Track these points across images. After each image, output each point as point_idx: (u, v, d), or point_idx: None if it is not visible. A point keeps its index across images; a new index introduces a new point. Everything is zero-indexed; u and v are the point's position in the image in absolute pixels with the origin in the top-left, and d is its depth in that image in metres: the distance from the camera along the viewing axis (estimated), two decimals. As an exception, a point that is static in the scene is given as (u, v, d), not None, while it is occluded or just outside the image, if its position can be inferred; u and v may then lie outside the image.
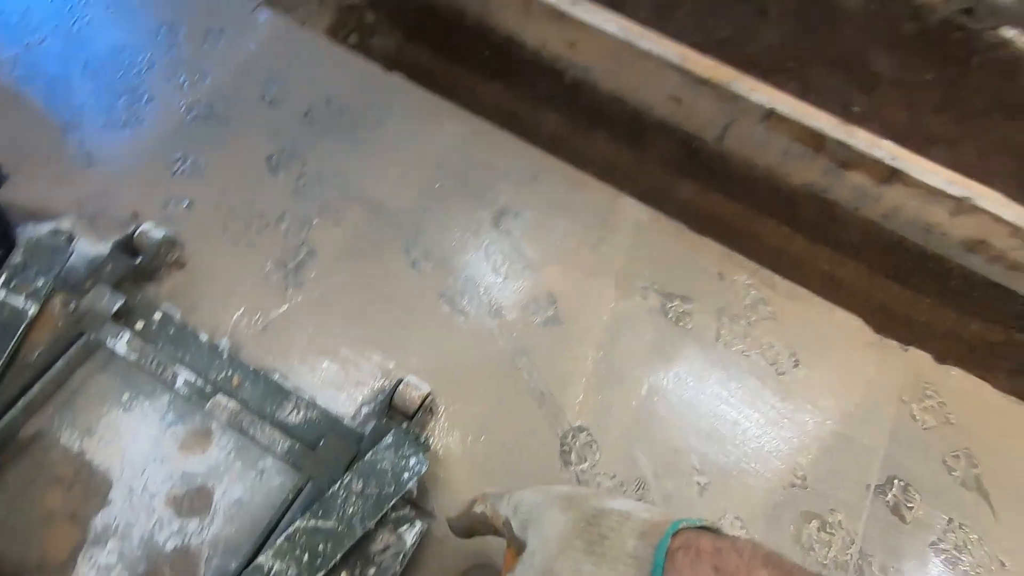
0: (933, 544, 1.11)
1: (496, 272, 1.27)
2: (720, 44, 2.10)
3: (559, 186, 1.39)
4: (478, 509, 0.61)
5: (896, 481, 1.15)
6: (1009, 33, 2.16)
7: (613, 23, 1.42)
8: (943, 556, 1.10)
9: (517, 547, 0.52)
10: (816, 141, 1.38)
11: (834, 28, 2.18)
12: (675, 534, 0.41)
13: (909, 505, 1.14)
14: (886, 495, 1.13)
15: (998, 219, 1.30)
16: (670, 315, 1.27)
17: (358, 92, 1.46)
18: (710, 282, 1.33)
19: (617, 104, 1.72)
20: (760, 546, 0.40)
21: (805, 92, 2.05)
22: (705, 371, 1.22)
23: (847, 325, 1.32)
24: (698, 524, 0.43)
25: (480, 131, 1.45)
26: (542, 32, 1.51)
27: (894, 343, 1.32)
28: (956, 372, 1.31)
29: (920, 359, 1.30)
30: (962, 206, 1.32)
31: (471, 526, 0.67)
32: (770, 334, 1.28)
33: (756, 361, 1.25)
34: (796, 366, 1.25)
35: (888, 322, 1.67)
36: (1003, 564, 1.09)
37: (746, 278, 1.35)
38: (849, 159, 1.37)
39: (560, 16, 1.44)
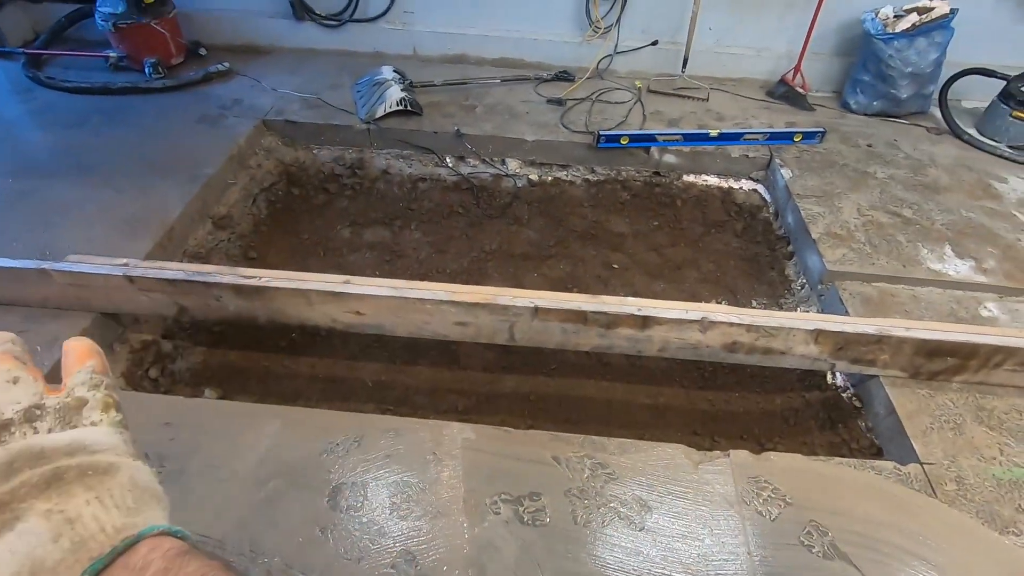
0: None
1: (348, 557, 1.24)
2: (491, 254, 2.49)
3: (384, 440, 1.45)
4: None
5: (775, 584, 1.22)
6: (689, 178, 2.88)
7: (384, 287, 1.66)
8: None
9: None
10: (579, 317, 1.66)
11: (574, 211, 2.74)
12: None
13: (796, 603, 1.20)
14: (773, 604, 1.19)
15: (732, 324, 1.63)
16: (526, 519, 1.32)
17: (163, 431, 1.45)
18: (549, 470, 1.42)
19: (419, 339, 1.91)
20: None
21: (575, 266, 2.46)
22: (580, 560, 1.25)
23: (674, 457, 1.46)
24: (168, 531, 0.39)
25: (296, 419, 1.50)
26: (328, 312, 1.70)
27: (717, 453, 1.49)
28: (774, 456, 1.50)
29: (743, 459, 1.47)
30: (704, 324, 1.64)
31: None
32: (616, 495, 1.37)
33: (616, 527, 1.31)
34: (648, 513, 1.34)
35: (712, 425, 1.88)
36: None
37: (578, 451, 1.46)
38: (610, 321, 1.66)
39: (337, 296, 1.65)
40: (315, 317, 1.71)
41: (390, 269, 2.37)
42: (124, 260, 1.71)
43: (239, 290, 1.66)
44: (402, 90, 2.86)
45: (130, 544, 0.38)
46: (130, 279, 1.66)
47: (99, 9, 2.92)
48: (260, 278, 1.65)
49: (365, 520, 1.29)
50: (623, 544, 1.28)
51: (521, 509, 1.33)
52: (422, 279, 2.08)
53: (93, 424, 0.44)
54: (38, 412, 0.42)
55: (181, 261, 2.13)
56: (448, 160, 2.84)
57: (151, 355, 1.87)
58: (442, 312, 1.67)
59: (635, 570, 1.23)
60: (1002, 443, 1.56)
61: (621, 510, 1.35)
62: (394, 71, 3.04)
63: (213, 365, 1.94)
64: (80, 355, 0.48)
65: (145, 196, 2.22)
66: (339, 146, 2.85)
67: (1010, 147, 2.89)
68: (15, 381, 0.42)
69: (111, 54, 3.03)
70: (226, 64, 3.09)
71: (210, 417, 1.49)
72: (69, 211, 2.14)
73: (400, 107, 2.79)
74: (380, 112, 2.77)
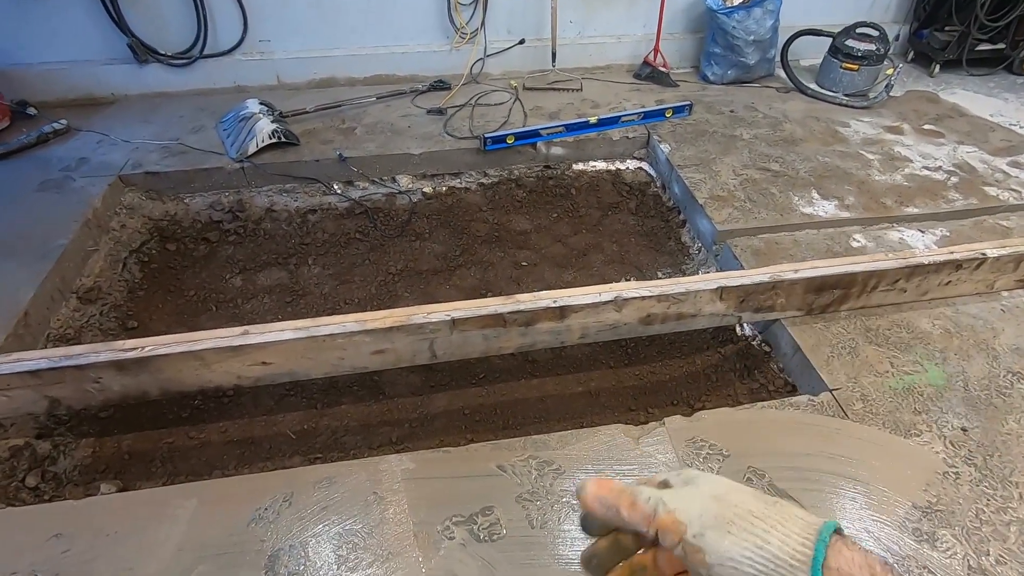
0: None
1: (297, 627, 1.13)
2: (399, 274, 2.41)
3: (317, 492, 1.35)
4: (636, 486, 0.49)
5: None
6: (578, 166, 2.96)
7: (288, 330, 1.55)
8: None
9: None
10: (498, 320, 1.64)
11: (474, 217, 2.73)
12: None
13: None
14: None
15: (643, 298, 1.68)
16: (482, 536, 1.27)
17: (54, 544, 1.25)
18: (496, 480, 1.39)
19: (338, 378, 1.81)
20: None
21: (485, 271, 2.44)
22: (543, 563, 1.22)
23: (614, 438, 1.48)
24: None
25: (214, 493, 1.36)
26: (229, 369, 1.55)
27: (653, 424, 1.53)
28: (705, 414, 1.56)
29: (678, 424, 1.52)
30: (618, 303, 1.68)
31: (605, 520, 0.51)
32: (567, 489, 1.36)
33: (573, 521, 1.30)
34: (602, 500, 1.34)
35: (643, 398, 1.93)
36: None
37: (521, 455, 1.44)
38: (529, 318, 1.65)
39: (236, 350, 1.52)
40: (215, 378, 1.56)
41: (293, 311, 2.23)
42: (-32, 360, 1.46)
43: (120, 366, 1.48)
44: (273, 122, 2.70)
45: None
46: (-20, 381, 1.43)
47: None
48: (142, 348, 1.48)
49: (311, 584, 1.19)
50: (582, 536, 1.27)
51: (475, 527, 1.29)
52: (330, 314, 1.96)
53: None
54: None
55: (45, 348, 1.87)
56: (336, 187, 2.72)
57: (24, 461, 1.61)
58: (356, 344, 1.58)
59: (598, 559, 1.22)
60: (891, 357, 1.72)
61: (575, 502, 1.34)
62: (260, 103, 2.87)
63: (106, 456, 1.72)
64: None
65: (-14, 283, 1.93)
66: (213, 191, 2.64)
67: (846, 95, 3.24)
68: None
69: (-85, 129, 2.62)
70: (63, 121, 2.78)
71: (110, 515, 1.31)
72: None
73: (274, 139, 2.64)
74: (252, 148, 2.60)
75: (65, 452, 1.70)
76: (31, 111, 2.90)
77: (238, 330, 1.55)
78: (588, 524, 0.53)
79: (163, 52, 3.05)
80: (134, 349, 1.48)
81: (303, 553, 1.24)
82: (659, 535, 0.47)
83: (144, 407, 1.80)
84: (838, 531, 0.44)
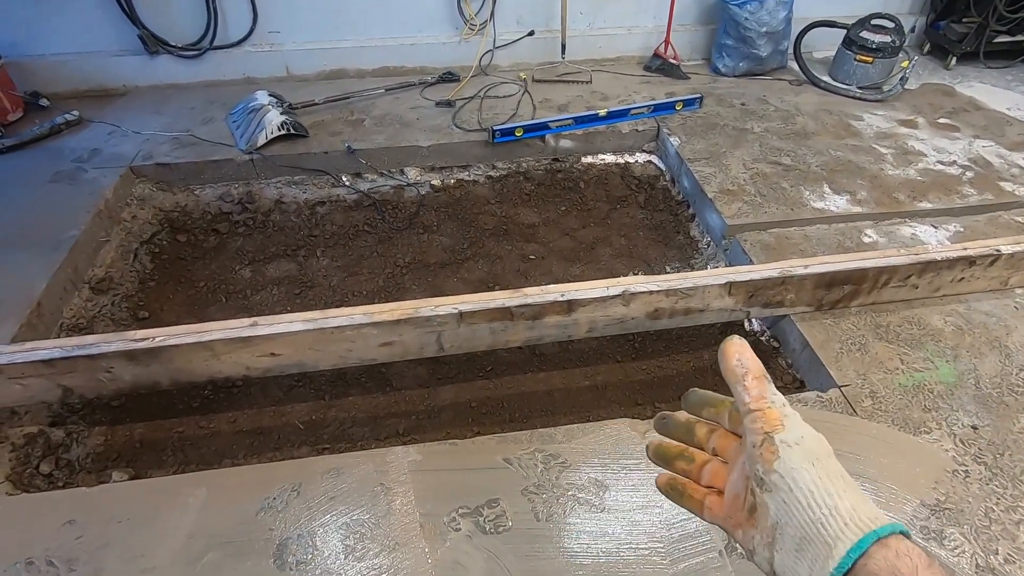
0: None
1: (305, 615, 1.15)
2: (406, 267, 2.42)
3: (325, 482, 1.36)
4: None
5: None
6: (587, 159, 2.95)
7: (296, 321, 1.56)
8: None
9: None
10: (505, 314, 1.64)
11: (482, 210, 2.72)
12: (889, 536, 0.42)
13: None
14: (739, 550, 1.23)
15: (651, 292, 1.67)
16: (488, 528, 1.28)
17: (67, 531, 1.28)
18: (503, 473, 1.39)
19: (346, 369, 1.82)
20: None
21: (492, 264, 2.45)
22: (548, 555, 1.23)
23: (620, 432, 1.48)
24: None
25: (223, 482, 1.37)
26: (238, 360, 1.57)
27: (659, 418, 1.52)
28: (711, 408, 1.56)
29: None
30: (626, 297, 1.67)
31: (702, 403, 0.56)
32: (572, 482, 1.37)
33: (579, 514, 1.31)
34: (606, 492, 1.35)
35: (650, 392, 1.93)
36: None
37: (527, 448, 1.44)
38: (536, 312, 1.65)
39: (246, 341, 1.53)
40: (225, 368, 1.57)
41: (302, 302, 2.24)
42: (-16, 349, 1.49)
43: (131, 356, 1.50)
44: (282, 113, 2.71)
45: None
46: (-5, 369, 1.45)
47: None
48: (153, 338, 1.50)
49: (319, 572, 1.20)
50: (588, 529, 1.28)
51: (481, 519, 1.30)
52: (338, 306, 1.97)
53: None
54: None
55: (59, 337, 1.89)
56: (344, 179, 2.73)
57: (39, 448, 1.64)
58: (364, 336, 1.59)
59: (603, 551, 1.23)
60: (901, 353, 1.71)
61: (580, 495, 1.34)
62: (270, 95, 2.87)
63: (118, 444, 1.74)
64: None
65: (0, 274, 1.95)
66: (223, 182, 2.65)
67: (860, 88, 3.19)
68: None
69: (-70, 120, 2.65)
70: (75, 113, 2.79)
71: (122, 503, 1.33)
72: (-94, 305, 1.85)
73: (283, 131, 2.64)
74: (262, 140, 2.61)
75: (78, 440, 1.72)
76: (44, 102, 2.92)
77: (247, 321, 1.56)
78: (691, 397, 0.57)
79: (173, 43, 3.06)
80: (145, 339, 1.50)
81: (311, 542, 1.25)
82: (754, 419, 0.47)
83: (156, 396, 1.82)
84: (906, 534, 0.43)
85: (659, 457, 0.58)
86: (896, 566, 0.40)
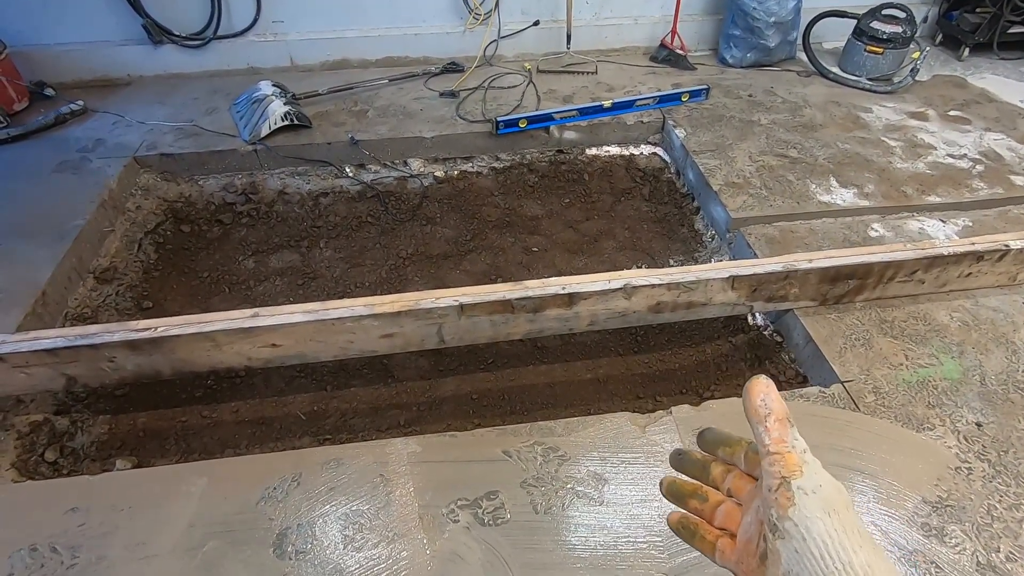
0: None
1: (304, 603, 1.16)
2: (409, 258, 2.42)
3: (325, 472, 1.37)
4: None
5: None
6: (591, 151, 2.92)
7: (298, 312, 1.56)
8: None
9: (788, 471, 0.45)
10: (505, 306, 1.63)
11: (485, 201, 2.71)
12: None
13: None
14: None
15: (653, 286, 1.66)
16: (486, 520, 1.29)
17: (70, 518, 1.29)
18: (502, 465, 1.39)
19: (347, 361, 1.82)
20: None
21: (495, 256, 2.44)
22: (546, 548, 1.23)
23: (620, 425, 1.48)
24: None
25: (225, 472, 1.38)
26: (240, 350, 1.57)
27: (660, 412, 1.52)
28: (714, 404, 1.55)
29: (685, 412, 1.51)
30: (628, 290, 1.66)
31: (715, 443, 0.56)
32: (571, 475, 1.37)
33: (577, 507, 1.31)
34: (605, 485, 1.35)
35: (652, 386, 1.92)
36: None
37: (527, 441, 1.44)
38: (537, 304, 1.65)
39: (247, 331, 1.53)
40: (227, 359, 1.58)
41: (305, 293, 2.25)
42: (-12, 338, 1.50)
43: (134, 346, 1.50)
44: (285, 104, 2.70)
45: None
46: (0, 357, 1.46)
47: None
48: (155, 328, 1.50)
49: (318, 561, 1.21)
50: (586, 522, 1.28)
51: (480, 511, 1.30)
52: (341, 297, 1.98)
53: None
54: None
55: (64, 326, 1.90)
56: (348, 170, 2.72)
57: (44, 436, 1.66)
58: (365, 328, 1.59)
59: (601, 544, 1.23)
60: (906, 349, 1.69)
61: (579, 489, 1.34)
62: (273, 85, 2.86)
63: (121, 433, 1.76)
64: None
65: (6, 263, 1.96)
66: (226, 173, 2.65)
67: (869, 79, 3.15)
68: None
69: (-63, 109, 2.66)
70: (80, 102, 2.80)
71: (125, 491, 1.35)
72: (-87, 294, 1.86)
73: (286, 122, 2.64)
74: (265, 130, 2.61)
75: (82, 428, 1.74)
76: (49, 92, 2.93)
77: (248, 312, 1.56)
78: (706, 435, 0.57)
79: (177, 33, 3.05)
80: (147, 330, 1.51)
81: (310, 532, 1.26)
82: (772, 462, 0.46)
83: (159, 386, 1.83)
84: None
85: (672, 494, 0.57)
86: None
